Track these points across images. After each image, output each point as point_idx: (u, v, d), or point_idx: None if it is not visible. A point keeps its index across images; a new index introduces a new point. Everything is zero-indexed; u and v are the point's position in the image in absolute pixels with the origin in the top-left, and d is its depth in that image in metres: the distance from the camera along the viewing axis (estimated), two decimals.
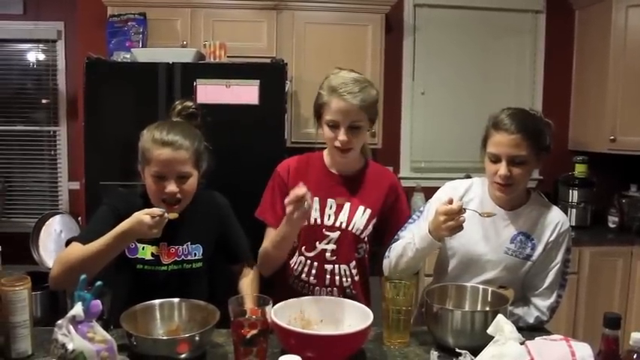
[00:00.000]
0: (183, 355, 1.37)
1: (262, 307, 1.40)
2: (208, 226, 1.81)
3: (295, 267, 1.86)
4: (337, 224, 1.83)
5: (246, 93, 2.84)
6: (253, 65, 2.95)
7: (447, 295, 1.70)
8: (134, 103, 2.87)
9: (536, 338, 1.20)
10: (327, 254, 1.83)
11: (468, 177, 3.52)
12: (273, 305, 1.45)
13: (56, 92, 4.25)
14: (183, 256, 1.75)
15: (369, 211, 1.84)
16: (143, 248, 1.71)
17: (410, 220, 1.89)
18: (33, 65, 4.27)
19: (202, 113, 1.95)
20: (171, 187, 1.64)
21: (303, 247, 1.85)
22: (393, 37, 3.78)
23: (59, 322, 1.08)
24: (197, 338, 1.39)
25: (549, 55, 3.96)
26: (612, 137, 3.51)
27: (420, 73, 3.91)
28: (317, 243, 1.83)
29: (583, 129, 3.85)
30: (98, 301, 1.13)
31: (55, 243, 3.25)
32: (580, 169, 3.61)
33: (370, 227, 1.85)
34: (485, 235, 1.76)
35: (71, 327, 1.05)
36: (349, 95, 1.70)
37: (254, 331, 1.35)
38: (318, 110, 1.79)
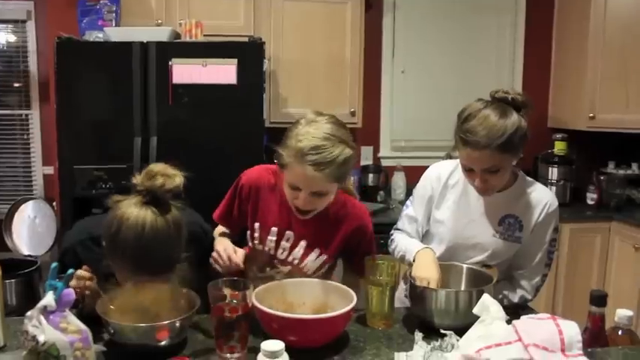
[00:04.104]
0: (163, 342, 1.33)
1: (243, 291, 1.36)
2: (189, 258, 1.60)
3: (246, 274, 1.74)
4: (290, 259, 1.71)
5: (223, 72, 2.77)
6: (230, 44, 2.88)
7: None
8: (107, 84, 2.79)
9: (522, 317, 1.19)
10: (278, 277, 1.70)
11: (449, 156, 3.53)
12: (254, 289, 1.43)
13: (27, 74, 4.12)
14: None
15: (324, 257, 1.70)
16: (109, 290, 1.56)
17: (403, 208, 1.92)
18: (2, 47, 4.13)
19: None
20: None
21: (254, 267, 1.74)
22: (373, 14, 3.72)
23: (29, 313, 1.04)
24: (177, 324, 1.35)
25: (529, 33, 3.95)
26: (591, 115, 3.52)
27: (399, 51, 3.87)
28: (267, 269, 1.74)
29: (562, 107, 3.86)
30: (71, 290, 1.08)
31: (29, 229, 3.20)
32: (559, 147, 3.62)
33: (324, 269, 1.73)
34: (473, 219, 1.74)
35: (42, 318, 1.01)
36: (316, 167, 1.45)
37: (235, 315, 1.31)
38: (281, 164, 1.55)
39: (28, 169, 4.21)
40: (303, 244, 1.68)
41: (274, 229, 1.67)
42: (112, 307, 1.40)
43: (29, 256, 3.15)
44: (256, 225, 1.70)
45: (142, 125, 2.80)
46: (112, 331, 1.33)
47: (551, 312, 3.24)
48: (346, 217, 1.69)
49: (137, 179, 1.40)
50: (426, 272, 1.56)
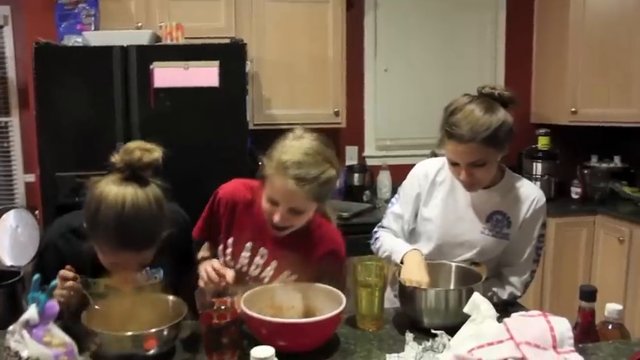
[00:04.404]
0: (151, 352, 1.31)
1: (231, 297, 1.35)
2: (171, 245, 1.56)
3: None
4: (261, 277, 1.66)
5: (205, 75, 2.74)
6: (212, 46, 2.85)
7: None
8: (88, 89, 2.74)
9: (513, 314, 1.18)
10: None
11: (434, 154, 3.53)
12: (242, 295, 1.41)
13: (5, 81, 4.05)
14: (143, 282, 1.59)
15: (293, 277, 1.65)
16: (95, 282, 1.54)
17: (389, 205, 1.90)
18: None
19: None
20: None
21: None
22: (354, 13, 3.71)
23: (11, 327, 1.01)
24: (165, 333, 1.33)
25: (510, 29, 3.97)
26: (573, 109, 3.55)
27: (382, 49, 3.86)
28: (239, 285, 1.66)
29: (544, 102, 3.89)
30: (54, 302, 1.05)
31: (11, 238, 3.12)
32: (543, 142, 3.65)
33: None
34: (461, 217, 1.74)
35: (25, 332, 0.98)
36: (297, 182, 1.43)
37: (223, 322, 1.30)
38: (263, 178, 1.53)
39: (9, 178, 4.14)
40: (274, 264, 1.63)
41: (249, 244, 1.63)
42: (97, 315, 1.38)
43: (12, 266, 3.09)
44: (230, 240, 1.67)
45: (124, 130, 2.76)
46: (99, 342, 1.31)
47: (539, 307, 3.26)
48: (321, 241, 1.66)
49: (115, 157, 1.37)
50: (417, 275, 1.55)
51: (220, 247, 1.69)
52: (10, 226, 3.14)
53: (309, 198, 1.47)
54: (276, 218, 1.50)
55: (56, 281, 1.11)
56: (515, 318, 1.14)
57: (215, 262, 1.49)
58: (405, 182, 1.86)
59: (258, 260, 1.63)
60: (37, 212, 3.23)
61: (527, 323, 1.11)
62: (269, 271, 1.63)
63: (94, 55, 2.75)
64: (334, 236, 1.71)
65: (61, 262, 1.47)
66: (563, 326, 1.10)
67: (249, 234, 1.64)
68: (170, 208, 1.47)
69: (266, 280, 1.66)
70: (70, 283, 1.39)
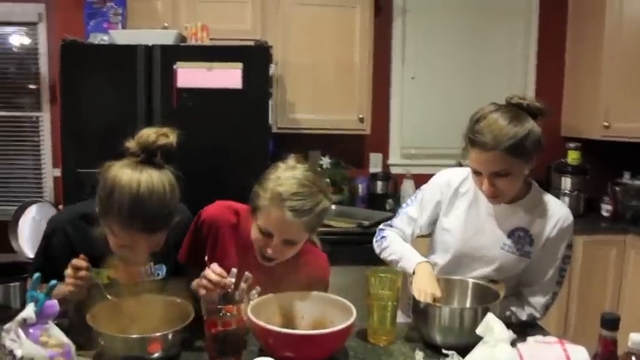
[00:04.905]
0: (155, 355, 1.29)
1: (237, 304, 1.31)
2: (175, 243, 1.60)
3: None
4: (245, 301, 1.58)
5: (228, 77, 2.73)
6: (236, 48, 2.84)
7: None
8: (112, 87, 2.77)
9: (528, 339, 1.12)
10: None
11: (460, 165, 3.46)
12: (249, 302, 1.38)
13: (38, 77, 4.12)
14: (146, 278, 1.59)
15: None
16: (98, 273, 1.51)
17: (403, 206, 1.84)
18: (14, 49, 4.14)
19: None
20: None
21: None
22: (383, 19, 3.67)
23: (7, 325, 0.99)
24: (170, 337, 1.31)
25: (542, 40, 3.87)
26: (606, 124, 3.43)
27: (410, 56, 3.81)
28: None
29: (576, 115, 3.78)
30: (54, 302, 1.04)
31: (34, 232, 3.18)
32: (573, 156, 3.54)
33: None
34: (482, 230, 1.67)
35: (20, 331, 0.96)
36: (294, 213, 1.40)
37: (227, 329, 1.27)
38: (255, 208, 1.48)
39: (38, 172, 4.21)
40: (258, 288, 1.54)
41: (234, 270, 1.52)
42: (103, 315, 1.36)
43: (32, 258, 3.14)
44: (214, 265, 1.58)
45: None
46: (102, 342, 1.29)
47: (563, 331, 3.15)
48: (306, 267, 1.61)
49: (130, 143, 1.38)
50: (430, 287, 1.51)
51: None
52: (33, 219, 3.20)
53: (305, 229, 1.46)
54: (270, 250, 1.47)
55: (55, 281, 1.09)
56: (530, 344, 1.08)
57: (216, 266, 1.45)
58: (425, 187, 1.81)
59: (242, 285, 1.53)
60: (60, 207, 3.28)
61: (542, 350, 1.05)
62: (254, 295, 1.54)
63: (118, 54, 2.77)
64: (320, 263, 1.67)
65: (68, 248, 1.46)
66: (581, 356, 1.04)
67: (234, 258, 1.59)
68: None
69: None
70: (83, 272, 1.37)
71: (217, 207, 1.65)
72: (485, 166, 1.52)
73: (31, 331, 0.97)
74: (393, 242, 1.75)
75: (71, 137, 2.78)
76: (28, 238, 3.22)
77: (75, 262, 1.38)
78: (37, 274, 1.06)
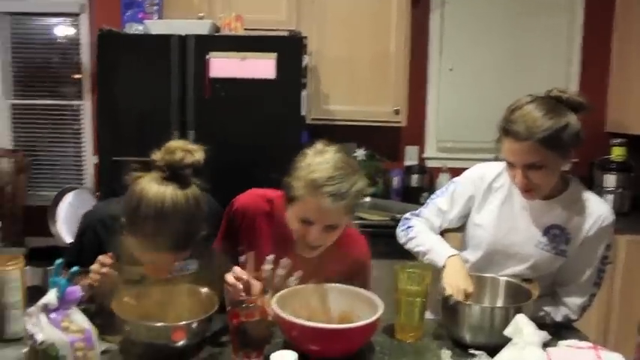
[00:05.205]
0: (179, 343, 1.29)
1: (261, 296, 1.30)
2: (206, 237, 1.54)
3: None
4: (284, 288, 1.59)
5: (261, 67, 2.72)
6: (270, 38, 2.83)
7: None
8: (146, 76, 2.80)
9: (560, 344, 1.07)
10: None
11: (497, 159, 3.36)
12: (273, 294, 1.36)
13: (80, 66, 4.21)
14: (175, 273, 1.57)
15: None
16: (130, 270, 1.50)
17: (433, 196, 1.79)
18: (58, 40, 4.24)
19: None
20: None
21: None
22: (420, 10, 3.59)
23: (29, 309, 1.00)
24: (194, 326, 1.31)
25: (587, 31, 3.71)
26: None
27: (448, 48, 3.72)
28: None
29: (622, 110, 3.62)
30: (76, 287, 1.04)
31: (70, 217, 3.24)
32: (618, 153, 3.40)
33: None
34: (516, 226, 1.61)
35: (42, 316, 0.96)
36: (333, 198, 1.36)
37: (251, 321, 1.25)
38: (290, 197, 1.45)
39: (79, 159, 4.31)
40: (298, 273, 1.53)
41: (270, 257, 1.54)
42: (129, 302, 1.37)
43: (70, 244, 3.20)
44: (251, 254, 1.60)
45: (179, 118, 2.79)
46: (127, 329, 1.30)
47: (603, 336, 3.02)
48: (345, 249, 1.59)
49: (156, 155, 1.35)
50: (463, 282, 1.47)
51: (241, 260, 1.62)
52: (70, 205, 3.27)
53: (345, 212, 1.42)
54: (311, 238, 1.44)
55: (77, 268, 1.10)
56: (562, 348, 1.02)
57: (238, 270, 1.42)
58: (458, 179, 1.76)
59: (280, 272, 1.54)
60: (97, 193, 3.34)
61: (574, 356, 0.99)
62: (293, 281, 1.55)
63: (152, 44, 2.79)
64: (360, 245, 1.65)
65: (98, 246, 1.48)
66: None
67: (269, 246, 1.57)
68: (206, 201, 1.44)
69: None
70: (105, 269, 1.39)
71: (250, 195, 1.64)
72: (518, 157, 1.46)
73: (52, 316, 0.98)
74: (421, 233, 1.70)
75: (107, 125, 2.82)
76: (64, 223, 3.29)
77: (101, 258, 1.40)
78: (59, 260, 1.07)
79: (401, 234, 1.76)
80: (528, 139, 1.42)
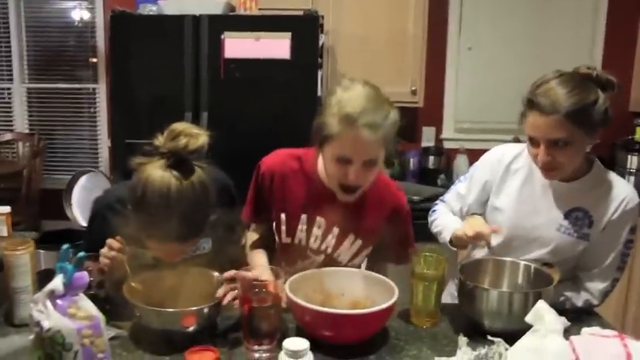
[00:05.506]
0: (190, 329, 1.27)
1: (273, 281, 1.27)
2: (218, 214, 1.52)
3: None
4: (322, 248, 1.58)
5: (276, 47, 2.67)
6: (285, 17, 2.78)
7: (484, 270, 1.53)
8: (160, 58, 2.77)
9: (583, 331, 1.02)
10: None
11: (517, 140, 3.29)
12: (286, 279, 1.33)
13: (95, 49, 4.20)
14: (191, 253, 1.55)
15: (359, 242, 1.58)
16: (142, 254, 1.48)
17: (457, 181, 1.78)
18: (75, 23, 4.23)
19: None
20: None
21: (283, 262, 1.60)
22: None
23: (35, 296, 0.98)
24: (205, 311, 1.29)
25: (612, 9, 3.60)
26: None
27: (467, 27, 3.63)
28: (299, 261, 1.60)
29: None
30: (84, 273, 1.02)
31: (84, 201, 3.25)
32: None
33: (361, 257, 1.60)
34: (536, 209, 1.56)
35: (48, 302, 0.94)
36: (370, 129, 1.34)
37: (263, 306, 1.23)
38: (324, 138, 1.40)
39: (95, 142, 4.33)
40: (335, 231, 1.55)
41: (304, 216, 1.54)
42: (140, 288, 1.35)
43: (84, 227, 3.22)
44: (283, 216, 1.58)
45: (193, 100, 2.76)
46: (138, 314, 1.29)
47: (620, 321, 2.97)
48: (383, 196, 1.58)
49: (159, 140, 1.29)
50: (480, 226, 1.46)
51: (274, 225, 1.62)
52: (84, 187, 3.28)
53: (383, 143, 1.39)
54: (352, 176, 1.39)
55: (84, 253, 1.08)
56: (585, 337, 0.98)
57: (260, 269, 1.40)
58: (477, 164, 1.72)
59: (316, 231, 1.55)
60: (112, 177, 3.34)
61: (599, 345, 0.94)
62: (330, 239, 1.55)
63: (166, 24, 2.76)
64: (393, 191, 1.62)
65: (110, 232, 1.46)
66: None
67: (302, 205, 1.55)
68: (213, 176, 1.39)
69: (329, 251, 1.58)
70: (113, 253, 1.37)
71: (276, 156, 1.61)
72: (543, 132, 1.40)
73: (59, 302, 0.96)
74: (441, 215, 1.70)
75: (120, 108, 2.81)
76: (79, 206, 3.30)
77: (110, 241, 1.38)
78: (65, 245, 1.05)
79: (429, 220, 1.76)
80: (555, 112, 1.36)
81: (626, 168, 3.32)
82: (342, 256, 1.59)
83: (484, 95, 3.69)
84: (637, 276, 3.08)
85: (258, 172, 1.61)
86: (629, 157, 3.33)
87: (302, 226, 1.56)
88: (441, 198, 1.80)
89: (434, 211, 1.76)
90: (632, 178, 3.27)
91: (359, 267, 1.63)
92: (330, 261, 1.59)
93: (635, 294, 3.10)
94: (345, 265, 1.59)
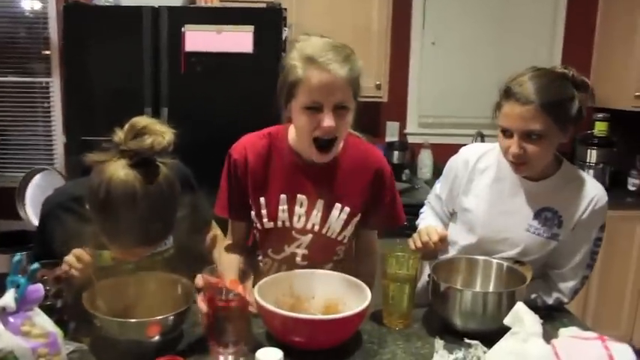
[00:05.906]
0: (155, 339, 1.20)
1: (242, 282, 1.21)
2: (183, 210, 1.43)
3: (262, 266, 1.60)
4: (309, 226, 1.51)
5: (239, 40, 2.60)
6: (247, 10, 2.71)
7: (457, 269, 1.52)
8: (117, 51, 2.66)
9: (561, 333, 1.01)
10: (298, 258, 1.53)
11: (480, 134, 3.32)
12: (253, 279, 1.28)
13: (48, 41, 4.03)
14: (152, 250, 1.44)
15: (347, 209, 1.51)
16: (100, 254, 1.41)
17: (436, 182, 1.79)
18: (25, 14, 4.03)
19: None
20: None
21: (269, 250, 1.57)
22: None
23: None
24: (170, 320, 1.22)
25: (572, 6, 3.66)
26: (638, 93, 3.26)
27: (430, 21, 3.62)
28: (285, 246, 1.54)
29: (605, 84, 3.58)
30: (38, 286, 0.94)
31: (38, 200, 3.11)
32: (600, 128, 3.37)
33: (351, 227, 1.54)
34: (506, 210, 1.55)
35: None
36: (334, 64, 1.31)
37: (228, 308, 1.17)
38: (290, 90, 1.37)
39: (49, 138, 4.15)
40: (320, 204, 1.49)
41: (283, 196, 1.48)
42: (100, 300, 1.27)
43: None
44: (262, 200, 1.51)
45: (152, 95, 2.66)
46: (99, 325, 1.21)
47: (582, 312, 3.03)
48: (362, 159, 1.54)
49: (119, 136, 1.18)
50: (424, 237, 1.47)
51: (253, 213, 1.54)
52: (38, 186, 3.14)
53: (349, 86, 1.35)
54: (325, 122, 1.34)
55: (37, 265, 0.99)
56: (567, 339, 0.96)
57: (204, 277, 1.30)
58: (447, 164, 1.71)
59: (298, 210, 1.50)
60: (66, 176, 3.21)
61: (581, 347, 0.93)
62: (316, 215, 1.49)
63: (124, 16, 2.65)
64: (371, 154, 1.58)
65: (62, 232, 1.36)
66: (625, 356, 0.92)
67: (280, 184, 1.49)
68: (175, 170, 1.29)
69: (316, 228, 1.51)
70: (81, 266, 1.28)
71: (245, 140, 1.56)
72: (517, 122, 1.38)
73: (11, 320, 0.87)
74: (425, 218, 1.74)
75: (75, 103, 2.69)
76: (32, 206, 3.17)
77: (78, 252, 1.28)
78: (18, 256, 0.96)
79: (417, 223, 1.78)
80: (531, 102, 1.36)
81: (585, 162, 3.38)
82: (331, 229, 1.52)
83: (448, 90, 3.70)
84: (597, 267, 3.13)
85: (229, 161, 1.53)
86: (589, 151, 3.39)
87: (283, 207, 1.49)
88: (427, 199, 1.83)
89: (421, 212, 1.81)
90: (592, 172, 3.33)
91: (350, 240, 1.58)
92: (319, 238, 1.52)
93: (594, 284, 3.16)
94: (336, 239, 1.53)
